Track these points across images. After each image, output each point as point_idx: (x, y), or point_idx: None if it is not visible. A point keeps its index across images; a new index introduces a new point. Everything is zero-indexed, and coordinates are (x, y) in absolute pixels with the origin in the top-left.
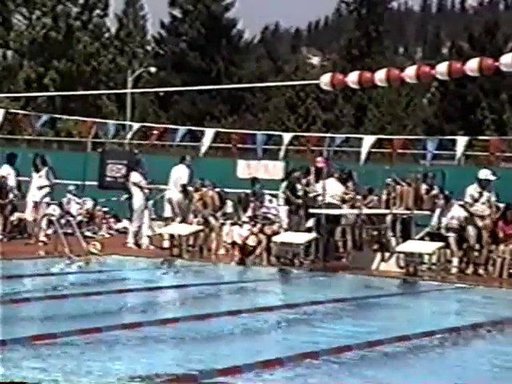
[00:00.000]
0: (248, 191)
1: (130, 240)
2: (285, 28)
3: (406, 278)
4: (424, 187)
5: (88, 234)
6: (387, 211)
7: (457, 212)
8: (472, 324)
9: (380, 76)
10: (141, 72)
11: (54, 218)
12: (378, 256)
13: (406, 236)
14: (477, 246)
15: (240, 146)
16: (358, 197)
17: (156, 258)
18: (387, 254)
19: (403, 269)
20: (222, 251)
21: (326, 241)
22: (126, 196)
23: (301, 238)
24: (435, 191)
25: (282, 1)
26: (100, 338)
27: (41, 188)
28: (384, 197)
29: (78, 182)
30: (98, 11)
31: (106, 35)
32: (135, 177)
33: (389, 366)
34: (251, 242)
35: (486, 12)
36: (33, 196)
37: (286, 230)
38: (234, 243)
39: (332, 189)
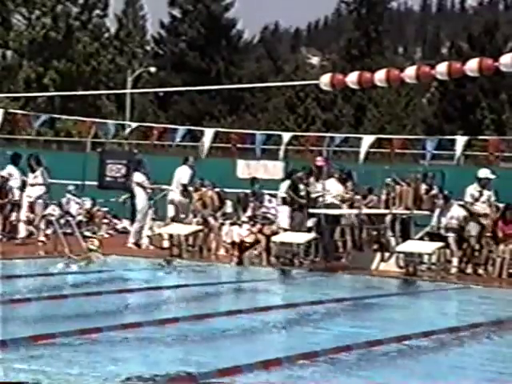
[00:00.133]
0: (247, 191)
1: (131, 240)
2: (284, 28)
3: (405, 277)
4: (423, 187)
5: (87, 233)
6: (387, 211)
7: (456, 212)
8: (472, 324)
9: (380, 76)
10: (140, 72)
11: (53, 218)
12: (378, 256)
13: (405, 236)
14: (477, 246)
15: (239, 145)
16: (358, 197)
17: (156, 257)
18: (387, 254)
19: (403, 269)
20: (221, 251)
21: (326, 241)
22: (125, 196)
23: (300, 237)
24: (435, 191)
25: (282, 1)
26: (100, 338)
27: (33, 186)
28: (383, 197)
29: (78, 182)
30: (97, 11)
31: (106, 35)
32: (138, 177)
33: (388, 366)
34: (248, 238)
35: (486, 12)
36: (28, 196)
37: (286, 230)
38: (233, 243)
39: (333, 189)
